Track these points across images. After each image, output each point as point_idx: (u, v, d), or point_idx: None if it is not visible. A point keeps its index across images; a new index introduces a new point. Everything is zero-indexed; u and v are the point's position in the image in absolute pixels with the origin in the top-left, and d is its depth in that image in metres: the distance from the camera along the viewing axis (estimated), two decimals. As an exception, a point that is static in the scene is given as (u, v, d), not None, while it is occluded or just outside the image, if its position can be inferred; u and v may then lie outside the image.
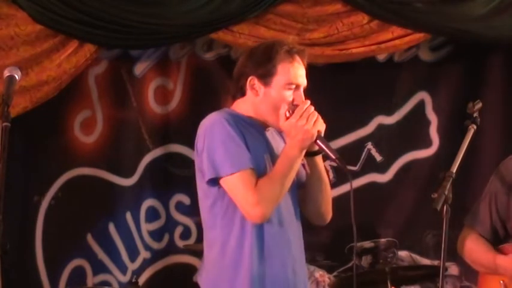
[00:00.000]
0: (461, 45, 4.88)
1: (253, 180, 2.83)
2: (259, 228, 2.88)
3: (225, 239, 2.89)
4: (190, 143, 4.97)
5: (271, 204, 2.84)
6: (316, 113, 2.90)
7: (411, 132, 5.02)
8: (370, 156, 5.02)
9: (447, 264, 4.39)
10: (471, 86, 4.83)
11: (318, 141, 2.90)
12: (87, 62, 5.01)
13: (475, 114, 3.17)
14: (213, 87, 5.11)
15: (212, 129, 2.89)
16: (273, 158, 2.95)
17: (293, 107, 2.91)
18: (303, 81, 2.98)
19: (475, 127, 3.15)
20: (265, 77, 2.94)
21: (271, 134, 3.04)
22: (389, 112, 5.03)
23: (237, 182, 2.83)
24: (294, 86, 2.95)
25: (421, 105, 5.00)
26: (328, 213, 3.07)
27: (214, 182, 2.88)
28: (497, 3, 4.68)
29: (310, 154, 2.96)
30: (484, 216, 3.56)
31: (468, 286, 4.74)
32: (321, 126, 2.91)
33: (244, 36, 4.86)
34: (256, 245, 2.87)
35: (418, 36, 4.83)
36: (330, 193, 3.06)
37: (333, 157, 2.90)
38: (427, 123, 4.99)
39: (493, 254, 3.51)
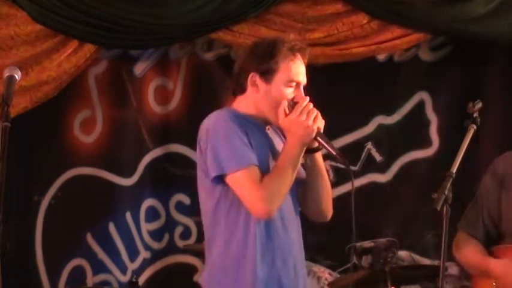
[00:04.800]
0: (461, 45, 4.88)
1: (259, 177, 2.84)
2: (263, 227, 2.88)
3: (228, 238, 2.88)
4: (190, 142, 5.04)
5: (277, 200, 2.84)
6: (315, 110, 2.91)
7: (411, 132, 5.01)
8: (370, 156, 5.01)
9: (447, 264, 4.35)
10: (471, 86, 4.82)
11: (317, 137, 2.91)
12: (87, 62, 5.02)
13: (475, 114, 3.17)
14: (213, 87, 5.11)
15: (215, 127, 2.89)
16: (275, 156, 2.95)
17: (292, 103, 2.92)
18: (303, 79, 2.99)
19: (475, 127, 3.14)
20: (267, 74, 2.94)
21: (271, 133, 3.05)
22: (389, 112, 5.02)
23: (243, 179, 2.83)
24: (294, 84, 2.96)
25: (421, 105, 5.00)
26: (329, 210, 3.07)
27: (219, 179, 2.87)
28: (497, 3, 4.67)
29: (310, 151, 2.96)
30: (476, 218, 3.55)
31: (468, 286, 4.74)
32: (321, 123, 2.92)
33: (244, 36, 4.86)
34: (260, 244, 2.87)
35: (418, 36, 4.82)
36: (330, 190, 3.06)
37: (334, 153, 2.91)
38: (427, 123, 4.98)
39: (484, 257, 3.49)
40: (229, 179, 2.85)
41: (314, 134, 2.89)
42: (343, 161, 2.94)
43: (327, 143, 2.93)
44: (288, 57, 2.95)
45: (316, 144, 2.96)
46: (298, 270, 2.98)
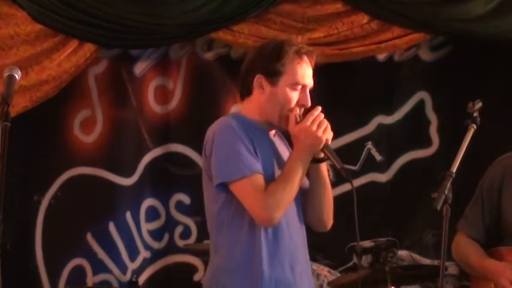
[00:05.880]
0: (461, 45, 4.88)
1: (263, 185, 2.82)
2: (268, 233, 2.87)
3: (233, 244, 2.87)
4: (190, 142, 5.06)
5: (282, 208, 2.82)
6: (326, 121, 2.89)
7: (411, 132, 5.01)
8: (370, 156, 5.01)
9: (447, 264, 4.37)
10: (471, 86, 4.82)
11: (325, 149, 2.90)
12: (87, 61, 5.03)
13: (475, 114, 3.17)
14: (213, 87, 5.12)
15: (221, 134, 2.88)
16: (280, 163, 2.94)
17: (304, 112, 2.91)
18: (310, 82, 2.98)
19: (475, 127, 3.14)
20: (273, 76, 2.92)
21: (276, 139, 3.04)
22: (389, 112, 5.02)
23: (247, 187, 2.82)
24: (300, 87, 2.94)
25: (421, 105, 5.00)
26: (330, 220, 3.06)
27: (223, 186, 2.86)
28: (497, 3, 4.67)
29: (315, 161, 2.96)
30: (476, 219, 3.54)
31: (468, 286, 4.74)
32: (329, 135, 2.90)
33: (244, 36, 4.86)
34: (265, 250, 2.85)
35: (418, 36, 4.82)
36: (331, 200, 3.05)
37: (338, 166, 2.89)
38: (427, 123, 4.98)
39: (483, 258, 3.48)
40: (233, 187, 2.84)
41: (322, 145, 2.88)
42: (346, 175, 2.92)
43: (332, 155, 2.91)
44: (295, 60, 2.93)
45: (322, 155, 2.95)
46: (303, 275, 2.96)
